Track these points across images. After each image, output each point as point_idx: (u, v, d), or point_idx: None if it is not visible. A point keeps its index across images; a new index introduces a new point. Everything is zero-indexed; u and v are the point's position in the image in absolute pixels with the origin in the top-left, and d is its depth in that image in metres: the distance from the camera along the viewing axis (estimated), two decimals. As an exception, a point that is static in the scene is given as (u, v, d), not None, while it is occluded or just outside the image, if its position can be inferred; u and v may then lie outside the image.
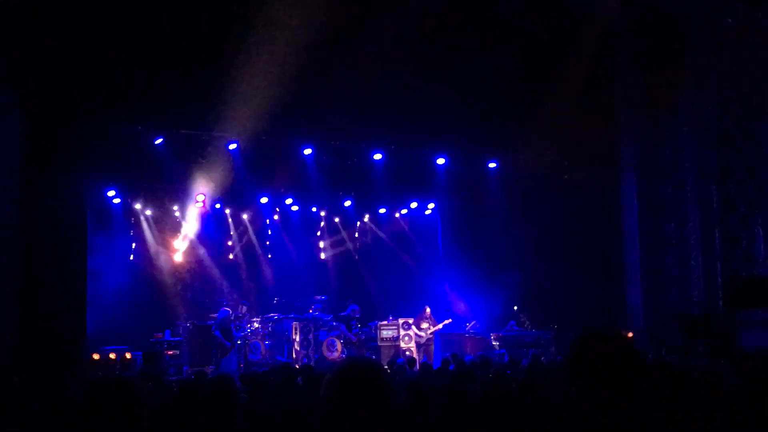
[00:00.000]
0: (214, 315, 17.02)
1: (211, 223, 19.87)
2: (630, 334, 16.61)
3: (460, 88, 16.09)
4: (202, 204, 18.62)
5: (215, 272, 19.89)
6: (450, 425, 5.71)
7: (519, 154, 18.56)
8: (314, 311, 18.44)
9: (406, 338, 18.29)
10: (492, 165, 19.52)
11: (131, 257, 18.73)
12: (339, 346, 17.56)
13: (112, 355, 14.71)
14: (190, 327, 16.76)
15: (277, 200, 20.28)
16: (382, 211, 21.73)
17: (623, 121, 17.35)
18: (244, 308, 18.24)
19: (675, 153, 16.75)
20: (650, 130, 16.94)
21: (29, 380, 8.15)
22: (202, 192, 18.30)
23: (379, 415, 2.59)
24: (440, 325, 18.19)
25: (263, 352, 17.41)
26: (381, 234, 21.96)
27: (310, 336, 17.71)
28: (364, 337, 17.82)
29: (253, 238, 20.65)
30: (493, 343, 18.00)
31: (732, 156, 16.02)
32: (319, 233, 21.55)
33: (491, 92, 16.39)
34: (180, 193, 18.65)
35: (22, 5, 12.40)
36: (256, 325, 17.86)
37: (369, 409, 2.58)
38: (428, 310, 18.42)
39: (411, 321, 18.30)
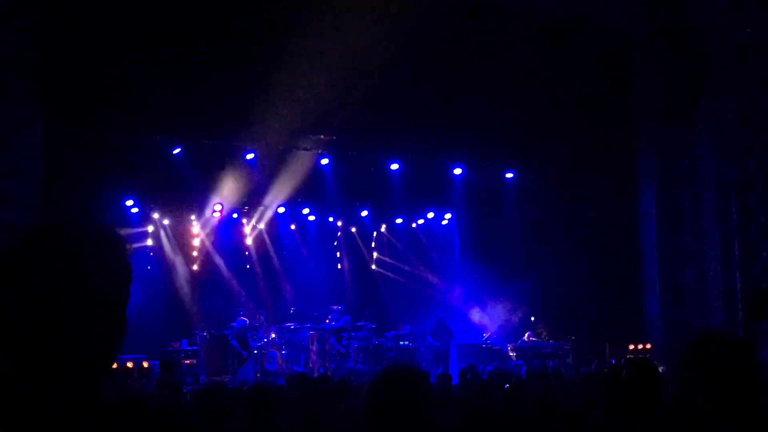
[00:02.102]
0: (231, 324, 17.04)
1: (229, 232, 19.93)
2: (648, 346, 16.54)
3: (477, 98, 16.09)
4: (219, 213, 18.69)
5: (232, 282, 19.92)
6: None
7: (536, 165, 18.52)
8: (331, 321, 18.44)
9: (422, 348, 18.27)
10: (509, 175, 19.49)
11: (148, 267, 18.80)
12: (352, 357, 17.57)
13: (130, 364, 14.75)
14: (207, 336, 16.77)
15: (294, 210, 20.32)
16: (399, 221, 21.72)
17: (641, 133, 17.29)
18: (261, 318, 18.25)
19: (693, 164, 16.67)
20: (668, 142, 16.87)
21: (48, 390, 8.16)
22: (219, 201, 18.38)
23: (420, 420, 2.57)
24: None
25: (279, 361, 17.41)
26: (398, 244, 21.94)
27: (326, 346, 17.71)
28: (356, 345, 17.70)
29: (270, 248, 20.68)
30: (510, 353, 17.91)
31: (752, 167, 15.91)
32: (335, 243, 21.56)
33: (508, 103, 16.39)
34: (197, 202, 18.72)
35: (41, 18, 12.51)
36: (272, 334, 17.85)
37: (409, 413, 2.57)
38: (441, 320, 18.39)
39: (427, 331, 18.27)
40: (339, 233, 21.51)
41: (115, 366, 14.45)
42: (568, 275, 18.33)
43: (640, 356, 15.67)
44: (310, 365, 17.61)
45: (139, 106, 14.29)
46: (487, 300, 19.45)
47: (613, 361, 15.81)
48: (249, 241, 20.46)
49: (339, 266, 21.54)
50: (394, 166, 18.51)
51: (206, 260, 19.70)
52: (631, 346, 16.61)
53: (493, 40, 15.28)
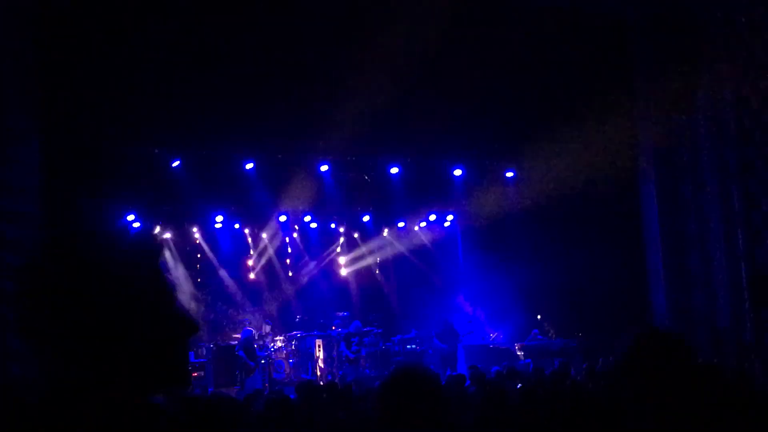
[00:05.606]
0: (237, 335, 16.99)
1: (231, 243, 19.90)
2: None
3: (474, 97, 16.02)
4: (220, 225, 18.65)
5: (237, 292, 19.90)
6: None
7: (536, 161, 18.46)
8: (336, 328, 18.40)
9: (430, 351, 18.22)
10: (509, 174, 19.46)
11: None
12: (362, 362, 17.53)
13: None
14: (214, 348, 16.74)
15: (295, 218, 20.30)
16: (401, 224, 21.67)
17: (640, 124, 17.23)
18: (267, 327, 18.22)
19: (694, 153, 16.58)
20: (668, 132, 16.80)
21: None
22: (220, 212, 18.36)
23: (433, 419, 2.57)
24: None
25: (287, 370, 17.38)
26: (401, 248, 21.89)
27: (334, 353, 17.67)
28: (365, 353, 17.62)
29: (273, 256, 20.66)
30: (518, 353, 17.86)
31: (752, 153, 15.81)
32: (338, 249, 21.54)
33: (505, 101, 16.30)
34: (198, 214, 18.70)
35: (37, 30, 12.45)
36: (279, 343, 17.83)
37: (423, 413, 2.56)
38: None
39: (434, 334, 18.22)
40: (341, 239, 21.49)
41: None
42: (572, 271, 18.28)
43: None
44: (318, 373, 17.57)
45: (136, 120, 14.24)
46: (491, 299, 19.38)
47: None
48: (251, 251, 20.43)
49: (343, 272, 21.50)
50: (394, 170, 18.47)
51: (210, 272, 19.67)
52: (640, 339, 16.49)
53: (488, 38, 15.16)
